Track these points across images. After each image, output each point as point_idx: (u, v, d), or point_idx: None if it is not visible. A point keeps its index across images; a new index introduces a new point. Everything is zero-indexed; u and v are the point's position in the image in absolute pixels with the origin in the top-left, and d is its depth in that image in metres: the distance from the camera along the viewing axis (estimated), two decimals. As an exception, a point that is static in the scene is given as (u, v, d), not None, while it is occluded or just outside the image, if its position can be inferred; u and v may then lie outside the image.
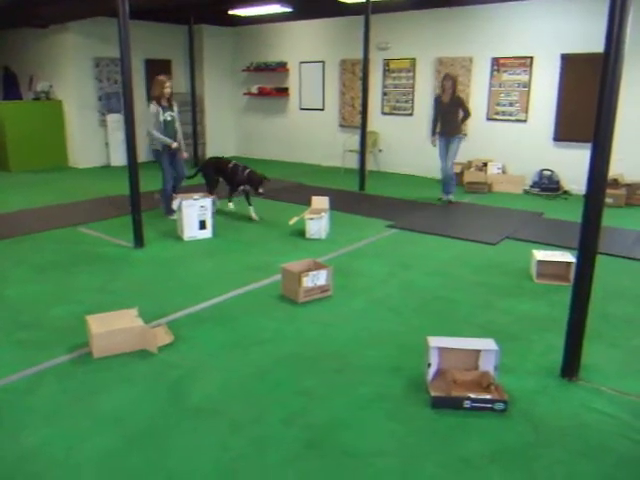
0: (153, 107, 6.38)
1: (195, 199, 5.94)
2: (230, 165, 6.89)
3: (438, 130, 7.73)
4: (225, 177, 7.01)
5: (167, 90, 6.36)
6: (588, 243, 3.04)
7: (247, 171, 6.68)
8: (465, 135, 8.38)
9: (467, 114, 7.72)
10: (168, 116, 6.44)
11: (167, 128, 6.42)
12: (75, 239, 5.94)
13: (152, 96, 6.50)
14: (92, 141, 10.92)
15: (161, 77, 6.49)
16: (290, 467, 2.42)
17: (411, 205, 7.72)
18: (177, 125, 6.63)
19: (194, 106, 10.82)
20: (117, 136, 10.63)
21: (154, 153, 6.63)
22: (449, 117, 7.64)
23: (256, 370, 3.24)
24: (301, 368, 3.27)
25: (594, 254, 3.05)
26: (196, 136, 10.91)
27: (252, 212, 6.79)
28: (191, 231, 5.91)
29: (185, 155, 6.81)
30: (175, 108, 6.60)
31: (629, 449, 2.58)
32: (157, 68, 11.56)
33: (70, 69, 10.49)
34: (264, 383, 3.11)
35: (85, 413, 2.80)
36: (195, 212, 5.89)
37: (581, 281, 3.09)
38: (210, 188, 7.05)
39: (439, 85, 8.06)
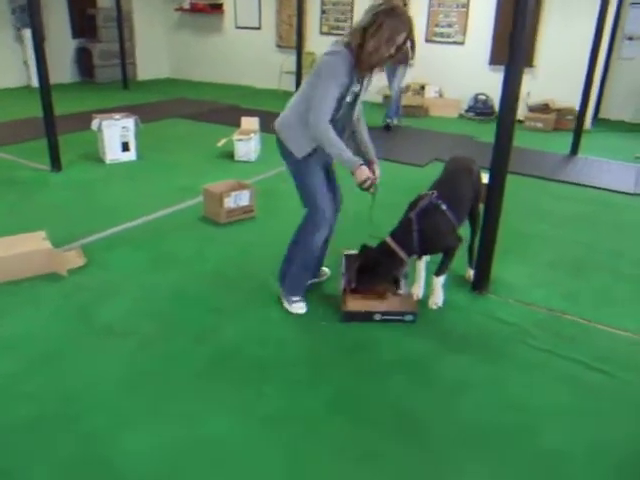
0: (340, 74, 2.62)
1: (116, 119, 5.62)
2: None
3: None
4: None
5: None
6: (499, 161, 3.08)
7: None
8: None
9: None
10: (352, 94, 2.78)
11: (338, 121, 2.78)
12: (-14, 162, 5.57)
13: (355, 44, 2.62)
14: (8, 59, 10.05)
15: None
16: (196, 381, 2.43)
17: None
18: (358, 110, 3.00)
19: (120, 22, 10.07)
20: (36, 53, 9.83)
21: (291, 160, 2.83)
22: None
23: (171, 290, 3.19)
24: (218, 288, 3.25)
25: (504, 172, 3.10)
26: (124, 55, 10.24)
27: None
28: (113, 153, 5.63)
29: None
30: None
31: (525, 353, 2.73)
32: (76, -22, 10.66)
33: (-24, -24, 9.51)
34: (178, 303, 3.07)
35: (-14, 337, 2.70)
36: (117, 133, 5.59)
37: (492, 199, 3.15)
38: None
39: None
